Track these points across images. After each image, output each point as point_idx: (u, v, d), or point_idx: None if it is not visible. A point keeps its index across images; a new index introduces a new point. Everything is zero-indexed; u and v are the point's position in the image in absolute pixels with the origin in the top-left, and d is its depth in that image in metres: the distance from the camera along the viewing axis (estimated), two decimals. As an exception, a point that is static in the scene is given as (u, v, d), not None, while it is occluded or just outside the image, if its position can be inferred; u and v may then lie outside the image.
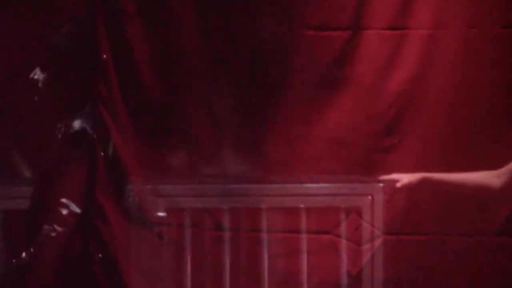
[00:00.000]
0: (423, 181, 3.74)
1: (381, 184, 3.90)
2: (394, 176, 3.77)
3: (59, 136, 3.93)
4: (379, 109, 3.98)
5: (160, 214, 3.95)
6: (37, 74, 3.98)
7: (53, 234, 3.86)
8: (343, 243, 3.98)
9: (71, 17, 3.93)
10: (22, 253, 3.84)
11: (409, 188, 3.75)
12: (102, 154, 3.92)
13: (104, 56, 3.95)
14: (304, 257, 3.97)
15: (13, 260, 3.86)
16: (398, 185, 3.74)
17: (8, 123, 4.02)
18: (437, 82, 3.97)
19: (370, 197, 3.93)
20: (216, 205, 4.00)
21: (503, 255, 3.94)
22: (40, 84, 3.98)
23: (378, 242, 3.95)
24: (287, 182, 3.96)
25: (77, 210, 3.87)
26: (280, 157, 4.01)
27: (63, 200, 3.86)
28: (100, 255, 3.85)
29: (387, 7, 4.00)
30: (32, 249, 3.85)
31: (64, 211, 3.86)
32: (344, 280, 3.96)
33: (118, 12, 3.98)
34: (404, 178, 3.75)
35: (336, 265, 3.97)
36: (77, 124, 3.95)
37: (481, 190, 3.75)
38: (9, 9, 4.02)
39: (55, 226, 3.84)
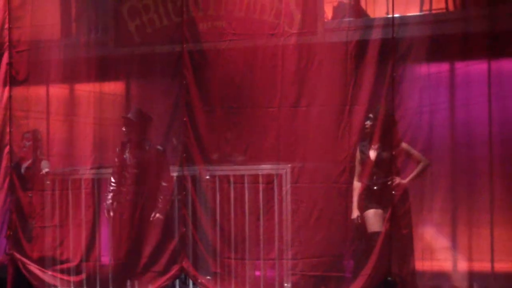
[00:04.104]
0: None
1: (289, 165, 9.27)
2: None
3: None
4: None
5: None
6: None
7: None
8: (271, 186, 9.41)
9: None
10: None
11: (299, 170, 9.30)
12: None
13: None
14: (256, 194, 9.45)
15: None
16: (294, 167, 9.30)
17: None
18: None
19: (285, 170, 9.37)
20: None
21: (340, 193, 9.05)
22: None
23: (288, 187, 9.32)
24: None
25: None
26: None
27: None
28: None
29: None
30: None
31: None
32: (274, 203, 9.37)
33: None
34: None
35: (272, 197, 9.43)
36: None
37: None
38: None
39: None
